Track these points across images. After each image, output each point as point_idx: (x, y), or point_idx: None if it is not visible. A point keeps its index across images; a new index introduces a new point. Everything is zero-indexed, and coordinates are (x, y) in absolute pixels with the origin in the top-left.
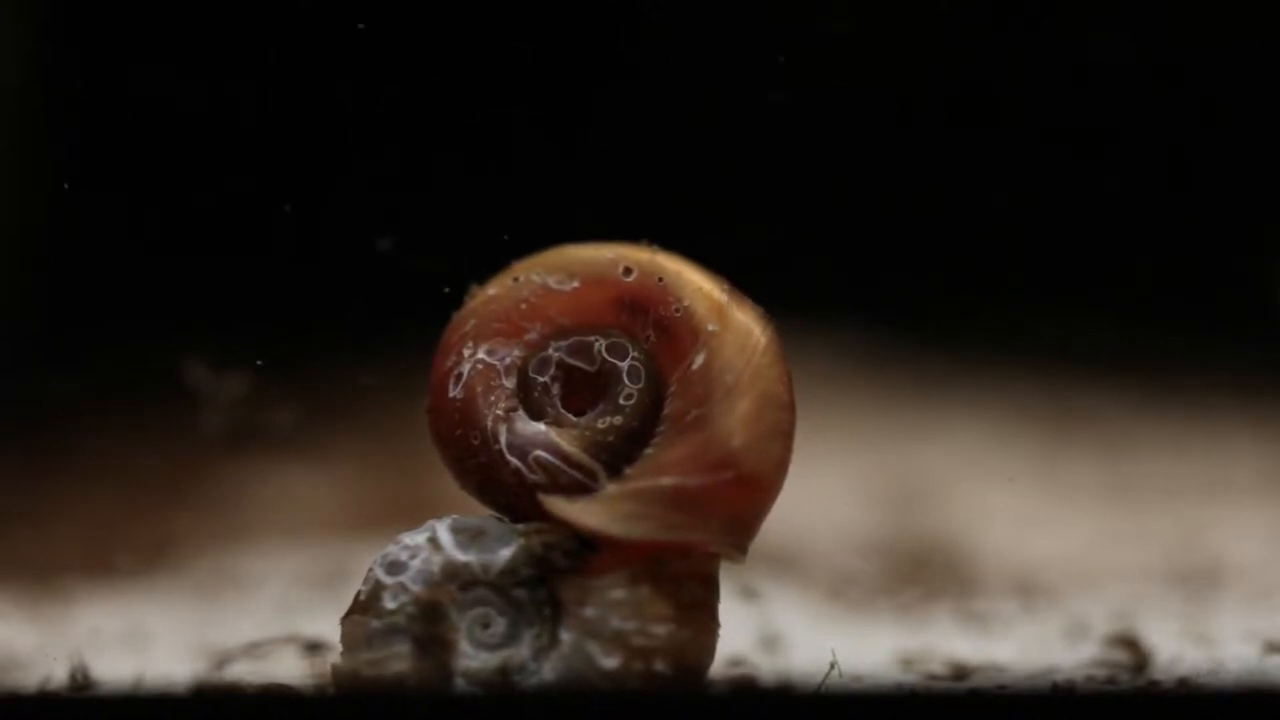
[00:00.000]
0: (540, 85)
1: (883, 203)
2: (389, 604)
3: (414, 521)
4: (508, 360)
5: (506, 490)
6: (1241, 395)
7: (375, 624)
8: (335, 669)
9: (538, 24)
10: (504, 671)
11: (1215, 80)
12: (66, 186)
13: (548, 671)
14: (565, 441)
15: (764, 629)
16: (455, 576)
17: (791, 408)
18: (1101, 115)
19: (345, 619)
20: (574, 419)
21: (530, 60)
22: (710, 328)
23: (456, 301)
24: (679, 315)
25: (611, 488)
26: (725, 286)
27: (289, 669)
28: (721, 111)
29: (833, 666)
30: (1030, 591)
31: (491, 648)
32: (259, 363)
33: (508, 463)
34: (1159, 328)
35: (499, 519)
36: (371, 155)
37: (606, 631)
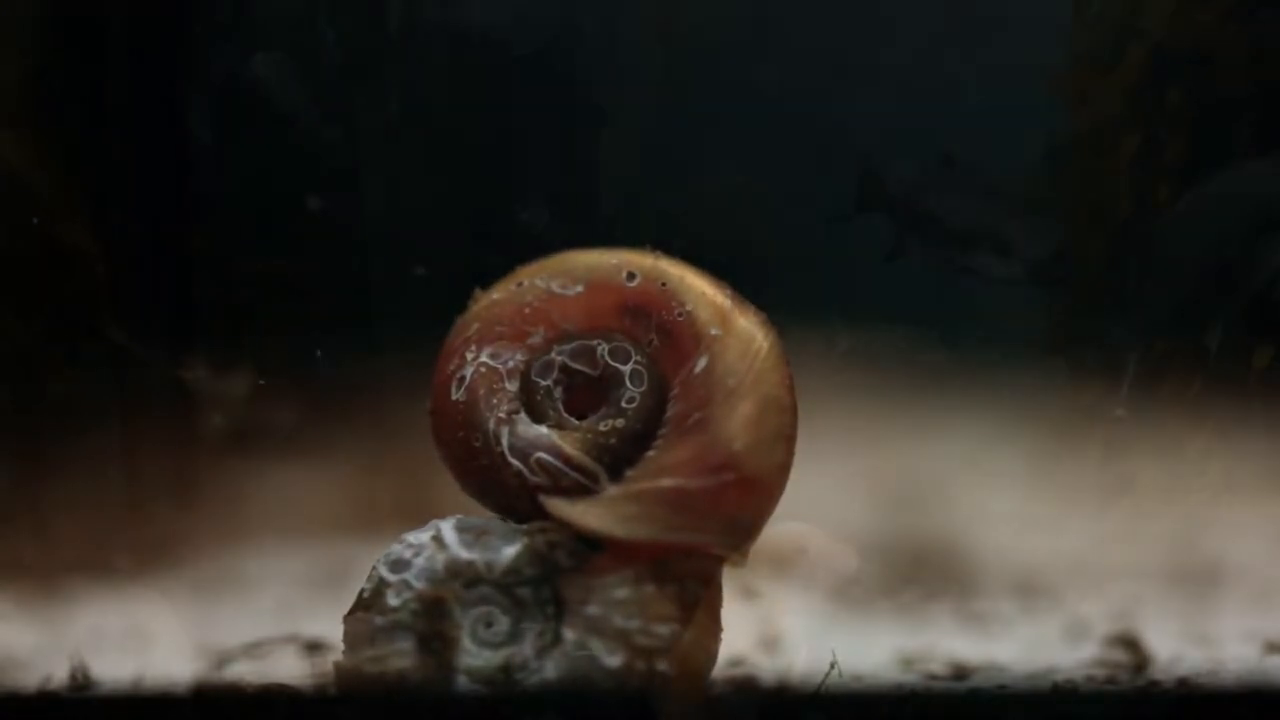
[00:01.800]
0: (542, 88)
1: (883, 201)
2: (392, 601)
3: (415, 522)
4: (511, 364)
5: (508, 492)
6: (1241, 395)
7: (378, 621)
8: (338, 666)
9: (540, 25)
10: (506, 669)
11: (1219, 70)
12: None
13: (550, 669)
14: (567, 444)
15: (764, 629)
16: (459, 574)
17: (793, 411)
18: (1100, 113)
19: (348, 616)
20: (576, 422)
21: (533, 63)
22: (713, 332)
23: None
24: (681, 320)
25: (613, 489)
26: (728, 292)
27: (289, 669)
28: (720, 112)
29: (833, 666)
30: (1030, 591)
31: (494, 645)
32: (261, 382)
33: (509, 465)
34: (1159, 327)
35: (502, 519)
36: (372, 155)
37: (609, 630)
